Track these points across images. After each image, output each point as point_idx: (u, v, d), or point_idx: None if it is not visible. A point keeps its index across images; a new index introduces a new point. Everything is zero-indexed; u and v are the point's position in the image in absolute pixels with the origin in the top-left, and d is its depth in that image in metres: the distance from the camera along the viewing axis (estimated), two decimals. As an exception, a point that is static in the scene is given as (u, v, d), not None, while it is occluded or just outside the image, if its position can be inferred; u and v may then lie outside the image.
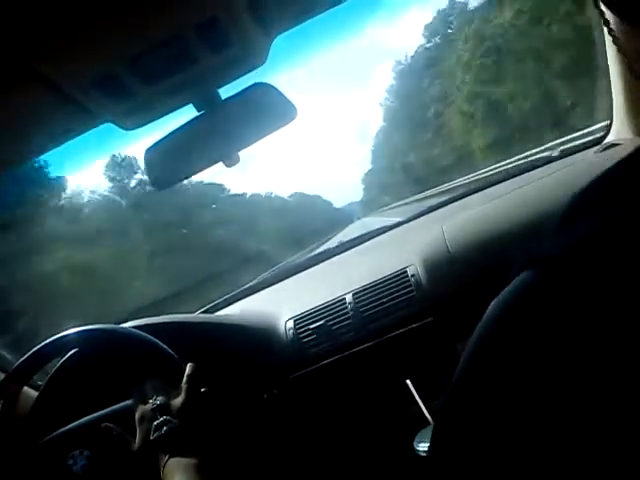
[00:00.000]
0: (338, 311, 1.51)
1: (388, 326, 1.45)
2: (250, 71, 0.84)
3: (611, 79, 1.41)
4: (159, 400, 0.97)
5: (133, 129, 0.86)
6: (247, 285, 2.11)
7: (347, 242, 2.11)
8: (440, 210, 1.94)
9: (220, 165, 0.94)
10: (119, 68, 0.67)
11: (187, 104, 0.87)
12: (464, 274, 1.42)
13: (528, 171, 1.81)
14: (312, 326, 1.50)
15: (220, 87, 0.87)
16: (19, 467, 1.06)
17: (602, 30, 1.20)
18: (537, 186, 1.53)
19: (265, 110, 0.88)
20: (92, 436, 1.06)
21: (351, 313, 1.49)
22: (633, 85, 1.27)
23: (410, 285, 1.47)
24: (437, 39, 33.01)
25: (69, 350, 1.28)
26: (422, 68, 34.19)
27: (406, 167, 35.57)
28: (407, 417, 1.51)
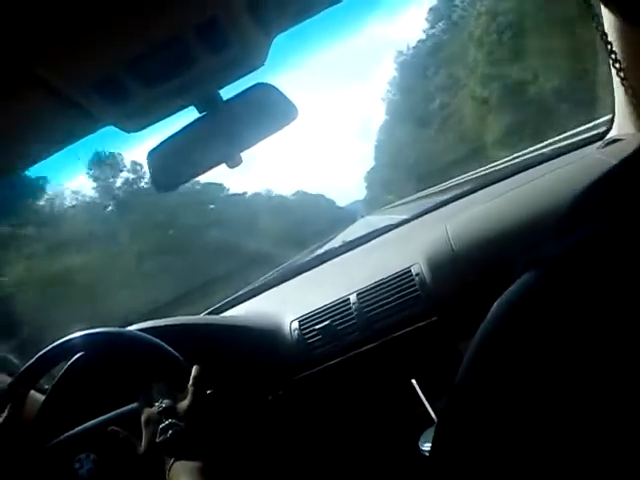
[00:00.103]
0: (343, 311, 1.51)
1: (393, 326, 1.45)
2: (251, 71, 0.84)
3: (613, 74, 1.40)
4: (165, 403, 0.97)
5: (135, 132, 0.86)
6: (252, 286, 2.11)
7: (350, 242, 2.11)
8: (443, 208, 1.93)
9: (222, 166, 0.94)
10: (119, 71, 0.67)
11: (189, 106, 0.87)
12: (468, 272, 1.41)
13: (531, 168, 1.81)
14: (317, 327, 1.50)
15: (221, 88, 0.87)
16: (26, 471, 1.07)
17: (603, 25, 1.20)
18: (540, 183, 1.53)
19: (267, 110, 0.88)
20: (98, 440, 1.06)
21: (356, 313, 1.49)
22: (635, 80, 1.27)
23: (414, 284, 1.47)
24: (442, 24, 31.67)
25: (75, 354, 1.29)
26: (426, 56, 32.98)
27: (409, 163, 34.94)
28: (413, 417, 1.50)
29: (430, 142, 31.10)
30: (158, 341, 1.16)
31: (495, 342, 0.39)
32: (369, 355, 1.45)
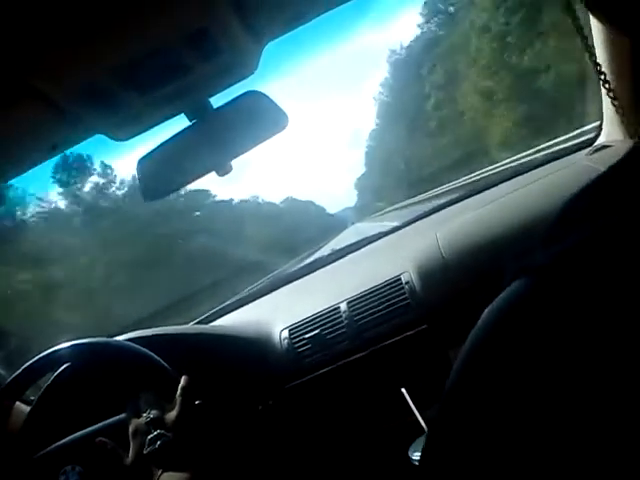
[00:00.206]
0: (333, 320, 1.51)
1: (383, 334, 1.44)
2: (241, 79, 0.84)
3: (600, 81, 1.42)
4: (153, 414, 0.96)
5: (125, 140, 0.85)
6: (241, 295, 2.10)
7: (340, 250, 2.11)
8: (434, 215, 1.94)
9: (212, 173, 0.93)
10: (109, 79, 0.66)
11: (179, 114, 0.86)
12: (458, 280, 1.41)
13: (521, 174, 1.82)
14: (307, 335, 1.49)
15: (211, 96, 0.87)
16: None
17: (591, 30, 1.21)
18: (530, 190, 1.54)
19: (257, 118, 0.88)
20: (85, 451, 1.05)
21: (346, 322, 1.49)
22: (623, 86, 1.28)
23: (404, 292, 1.47)
24: (437, 18, 29.75)
25: (62, 364, 1.27)
26: (420, 55, 31.06)
27: (400, 170, 34.37)
28: (403, 426, 1.50)
29: (421, 148, 30.46)
30: (146, 351, 1.14)
31: (485, 350, 0.39)
32: (359, 364, 1.45)
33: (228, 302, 2.01)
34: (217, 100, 0.87)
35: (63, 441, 1.09)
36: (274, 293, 1.95)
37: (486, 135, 20.63)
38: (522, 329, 0.37)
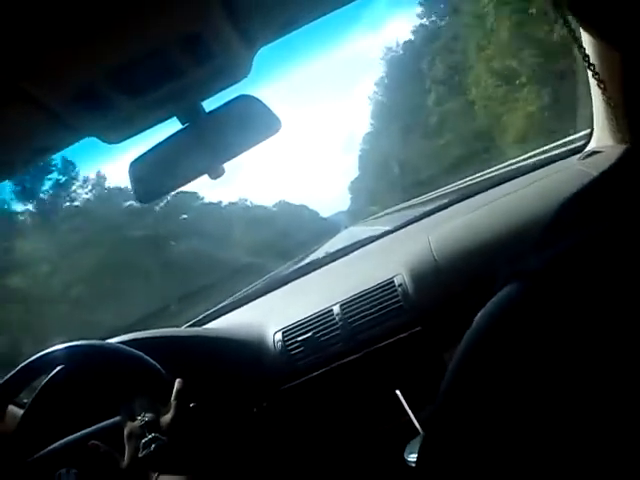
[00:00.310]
0: (326, 322, 1.51)
1: (376, 336, 1.45)
2: (234, 83, 0.84)
3: (591, 88, 1.43)
4: (148, 417, 0.96)
5: (117, 143, 0.85)
6: (234, 298, 2.10)
7: (334, 253, 2.12)
8: (426, 219, 1.94)
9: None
10: (102, 82, 0.67)
11: (171, 117, 0.87)
12: (450, 283, 1.42)
13: (513, 179, 1.83)
14: (300, 338, 1.50)
15: (204, 100, 0.87)
16: None
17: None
18: (522, 194, 1.55)
19: (249, 122, 0.88)
20: (79, 454, 1.04)
21: (339, 324, 1.49)
22: (612, 95, 1.30)
23: (397, 295, 1.47)
24: (439, 8, 27.25)
25: (55, 366, 1.26)
26: (421, 45, 28.87)
27: (394, 174, 33.67)
28: (398, 428, 1.50)
29: (415, 151, 29.63)
30: (140, 353, 1.14)
31: (478, 354, 0.39)
32: (353, 366, 1.45)
33: (222, 304, 2.01)
34: (210, 104, 0.88)
35: (57, 444, 1.08)
36: (268, 295, 1.95)
37: (490, 133, 19.25)
38: (514, 334, 0.37)
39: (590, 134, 1.60)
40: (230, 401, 1.43)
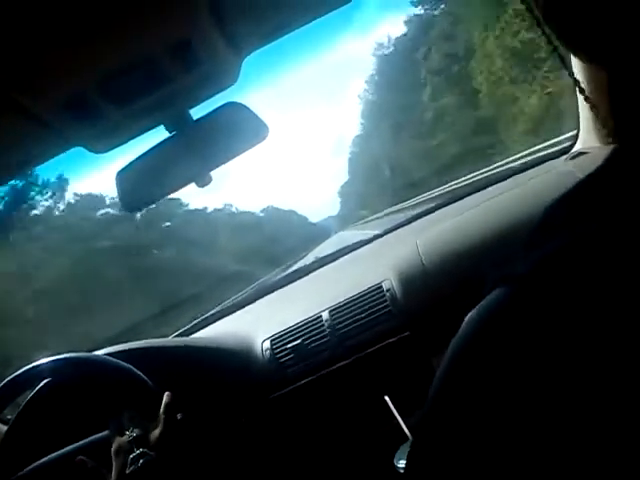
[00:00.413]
0: (315, 329, 1.50)
1: (365, 342, 1.45)
2: (221, 90, 0.84)
3: (576, 88, 1.44)
4: (136, 432, 0.94)
5: (104, 152, 0.85)
6: (222, 306, 2.09)
7: (322, 258, 2.12)
8: (415, 223, 1.95)
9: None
10: (89, 91, 0.66)
11: (158, 125, 0.86)
12: (439, 287, 1.42)
13: (500, 181, 1.84)
14: (289, 345, 1.49)
15: (191, 107, 0.87)
16: None
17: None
18: (509, 196, 1.56)
19: (237, 129, 0.88)
20: (66, 470, 1.03)
21: (328, 330, 1.49)
22: (597, 97, 1.31)
23: (386, 300, 1.47)
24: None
25: (41, 380, 1.24)
26: (415, 37, 27.17)
27: (383, 178, 33.06)
28: (387, 434, 1.50)
29: (405, 153, 28.68)
30: (126, 365, 1.13)
31: (466, 358, 0.39)
32: (342, 372, 1.45)
33: (209, 313, 2.00)
34: (197, 111, 0.87)
35: (43, 460, 1.06)
36: (256, 303, 1.94)
37: (493, 125, 18.05)
38: (502, 338, 0.37)
39: (576, 135, 1.61)
40: (219, 411, 1.42)
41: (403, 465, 1.34)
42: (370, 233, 2.15)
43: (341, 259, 2.01)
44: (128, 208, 0.91)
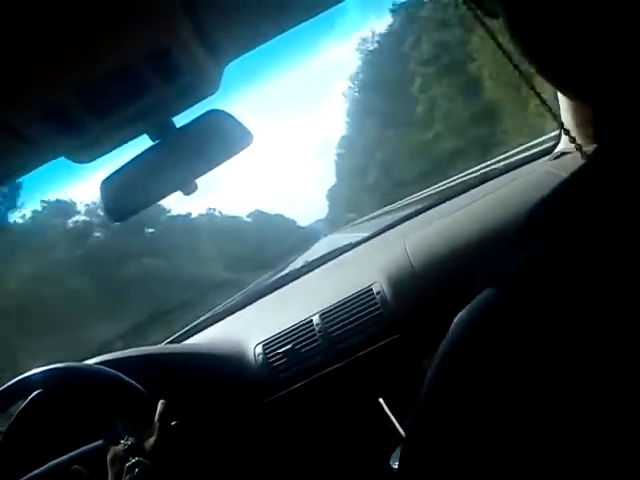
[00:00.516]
0: (306, 333, 1.50)
1: (357, 345, 1.45)
2: (203, 99, 0.84)
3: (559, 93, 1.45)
4: (131, 440, 0.94)
5: (87, 162, 0.84)
6: (213, 312, 2.08)
7: (311, 262, 2.12)
8: (403, 224, 1.96)
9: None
10: (70, 103, 0.66)
11: (142, 134, 0.86)
12: (428, 288, 1.43)
13: (485, 182, 1.85)
14: (281, 350, 1.49)
15: (174, 116, 0.86)
16: None
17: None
18: (495, 197, 1.56)
19: (220, 137, 0.88)
20: None
21: (319, 334, 1.49)
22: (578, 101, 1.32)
23: (376, 303, 1.47)
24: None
25: (33, 391, 1.24)
26: (401, 29, 26.36)
27: (371, 180, 32.61)
28: (383, 436, 1.50)
29: (394, 151, 28.32)
30: (118, 374, 1.13)
31: (456, 359, 0.39)
32: (335, 376, 1.45)
33: (201, 319, 1.99)
34: (180, 120, 0.87)
35: (38, 470, 1.06)
36: (247, 308, 1.94)
37: (492, 116, 17.78)
38: (492, 338, 0.37)
39: (559, 135, 1.63)
40: (213, 417, 1.42)
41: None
42: (359, 236, 2.16)
43: (330, 262, 2.01)
44: (113, 217, 0.91)
